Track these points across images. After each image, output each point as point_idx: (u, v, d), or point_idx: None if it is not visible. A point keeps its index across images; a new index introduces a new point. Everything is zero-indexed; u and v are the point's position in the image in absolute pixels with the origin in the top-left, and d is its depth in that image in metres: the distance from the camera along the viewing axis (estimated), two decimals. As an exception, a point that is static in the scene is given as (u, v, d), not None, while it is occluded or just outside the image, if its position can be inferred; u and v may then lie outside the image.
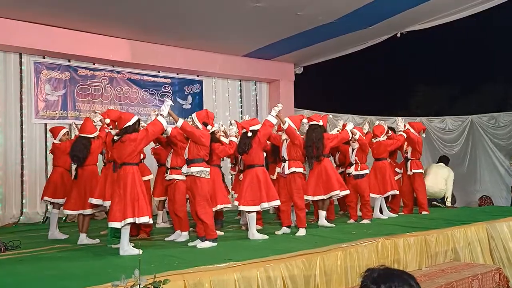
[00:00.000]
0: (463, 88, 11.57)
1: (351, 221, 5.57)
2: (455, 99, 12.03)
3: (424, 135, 6.66)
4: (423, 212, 6.25)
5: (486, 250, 4.90)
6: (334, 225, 5.27)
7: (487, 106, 10.86)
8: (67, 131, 5.48)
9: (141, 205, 3.79)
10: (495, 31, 10.04)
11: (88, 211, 4.68)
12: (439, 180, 7.33)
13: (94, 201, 4.48)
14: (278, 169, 5.01)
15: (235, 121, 5.34)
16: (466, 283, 3.79)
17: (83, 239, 4.70)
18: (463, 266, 4.25)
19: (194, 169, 4.15)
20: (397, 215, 6.10)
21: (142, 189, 3.87)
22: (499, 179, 10.23)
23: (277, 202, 4.63)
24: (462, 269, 4.09)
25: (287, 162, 4.88)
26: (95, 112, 4.80)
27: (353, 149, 5.62)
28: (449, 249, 4.57)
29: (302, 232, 4.72)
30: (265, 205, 4.52)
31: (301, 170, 4.90)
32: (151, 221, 3.95)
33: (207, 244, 4.12)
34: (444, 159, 7.92)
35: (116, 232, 4.20)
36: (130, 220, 3.77)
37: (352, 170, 5.60)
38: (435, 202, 7.45)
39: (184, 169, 4.25)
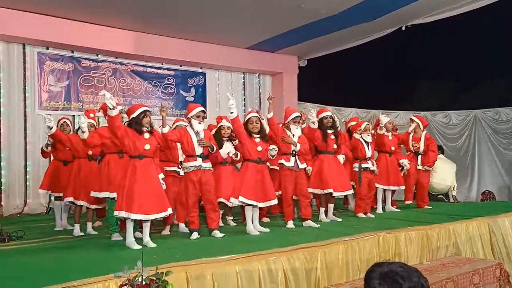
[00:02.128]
0: (467, 83, 11.50)
1: (363, 214, 5.49)
2: (459, 94, 11.96)
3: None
4: (426, 206, 6.29)
5: (487, 245, 4.91)
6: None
7: (491, 101, 10.80)
8: (64, 122, 5.37)
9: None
10: (500, 25, 9.94)
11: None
12: (447, 176, 7.32)
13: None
14: (287, 163, 4.84)
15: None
16: (467, 277, 3.80)
17: (90, 229, 4.78)
18: (464, 260, 4.27)
19: (209, 164, 4.33)
20: (399, 210, 6.10)
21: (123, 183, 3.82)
22: (502, 173, 10.22)
23: (271, 202, 4.62)
24: (463, 263, 4.11)
25: (297, 156, 4.87)
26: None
27: None
28: (451, 243, 4.58)
29: (311, 223, 4.81)
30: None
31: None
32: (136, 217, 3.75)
33: (219, 234, 4.21)
34: (440, 149, 7.89)
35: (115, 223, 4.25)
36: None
37: (369, 165, 5.53)
38: (441, 196, 7.47)
39: (196, 163, 4.25)
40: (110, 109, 3.72)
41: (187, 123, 4.44)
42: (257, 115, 4.66)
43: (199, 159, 4.26)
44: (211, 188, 4.33)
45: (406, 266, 1.55)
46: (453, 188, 7.49)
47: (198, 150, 4.26)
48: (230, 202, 4.62)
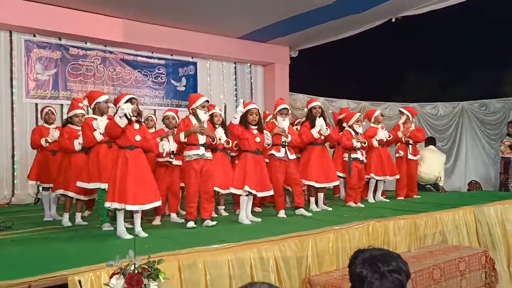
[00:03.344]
0: (455, 74, 11.61)
1: (353, 203, 5.52)
2: (447, 85, 12.08)
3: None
4: (414, 196, 6.39)
5: (473, 234, 5.02)
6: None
7: (478, 93, 10.93)
8: (49, 110, 5.30)
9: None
10: (487, 17, 10.02)
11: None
12: (434, 166, 7.45)
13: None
14: (278, 154, 4.87)
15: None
16: (453, 264, 3.89)
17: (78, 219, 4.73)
18: (450, 248, 4.36)
19: (210, 154, 4.33)
20: (388, 200, 6.16)
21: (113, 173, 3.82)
22: (488, 164, 10.42)
23: (270, 192, 4.66)
24: (449, 251, 4.19)
25: (287, 147, 4.90)
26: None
27: None
28: (437, 231, 4.67)
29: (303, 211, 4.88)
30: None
31: None
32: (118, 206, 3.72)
33: (211, 222, 4.23)
34: (432, 141, 8.00)
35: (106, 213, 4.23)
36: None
37: (359, 155, 5.57)
38: (429, 186, 7.60)
39: (199, 152, 4.25)
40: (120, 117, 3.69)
41: (191, 113, 4.39)
42: (256, 106, 4.69)
43: (202, 148, 4.26)
44: (211, 178, 4.34)
45: (387, 252, 1.65)
46: (440, 178, 7.63)
47: (201, 140, 4.26)
48: (228, 192, 4.66)
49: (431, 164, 7.36)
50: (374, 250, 1.64)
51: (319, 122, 5.10)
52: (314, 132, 5.09)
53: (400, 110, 6.59)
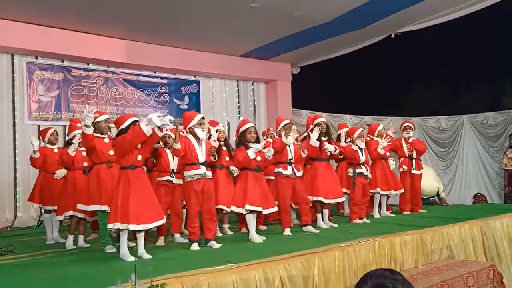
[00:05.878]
0: (456, 88, 11.65)
1: (358, 220, 5.47)
2: (449, 99, 12.12)
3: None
4: (420, 210, 6.35)
5: (480, 247, 4.97)
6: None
7: (480, 106, 10.97)
8: (55, 131, 5.32)
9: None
10: (487, 31, 10.12)
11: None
12: (430, 178, 7.51)
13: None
14: (285, 172, 4.83)
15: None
16: (461, 280, 3.83)
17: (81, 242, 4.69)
18: (458, 263, 4.30)
19: (210, 173, 4.28)
20: (394, 215, 6.10)
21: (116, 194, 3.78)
22: (491, 177, 10.38)
23: (274, 209, 4.62)
24: (457, 266, 4.14)
25: (293, 164, 4.88)
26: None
27: None
28: (444, 246, 4.62)
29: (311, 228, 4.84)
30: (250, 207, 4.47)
31: None
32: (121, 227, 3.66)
33: (216, 244, 4.15)
34: None
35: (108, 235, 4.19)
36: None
37: (364, 170, 5.54)
38: (432, 198, 7.58)
39: (200, 171, 4.17)
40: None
41: (188, 132, 4.30)
42: (254, 125, 4.66)
43: (203, 167, 4.20)
44: (212, 197, 4.29)
45: (391, 276, 1.50)
46: (442, 190, 7.66)
47: (201, 158, 4.21)
48: (231, 210, 4.61)
49: (426, 177, 7.36)
50: (377, 278, 1.49)
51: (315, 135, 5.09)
52: (313, 142, 5.06)
53: (408, 125, 6.45)
